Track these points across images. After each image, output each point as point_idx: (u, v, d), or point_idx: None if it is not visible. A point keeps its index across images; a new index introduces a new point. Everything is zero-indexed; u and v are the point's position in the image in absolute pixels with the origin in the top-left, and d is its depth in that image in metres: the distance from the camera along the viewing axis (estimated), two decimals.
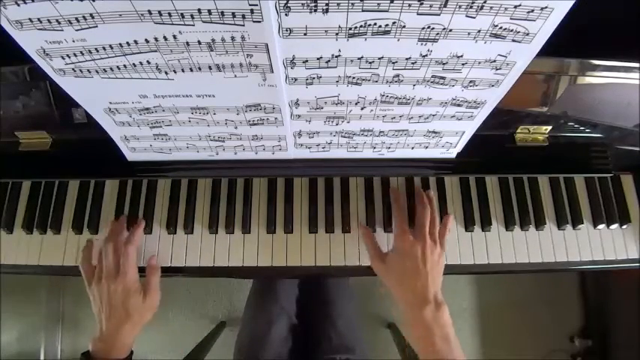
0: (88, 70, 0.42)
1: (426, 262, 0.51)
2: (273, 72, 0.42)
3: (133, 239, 0.57)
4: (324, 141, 0.56)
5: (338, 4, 0.34)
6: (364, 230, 0.60)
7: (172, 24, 0.36)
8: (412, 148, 0.58)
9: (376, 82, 0.44)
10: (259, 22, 0.35)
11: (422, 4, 0.34)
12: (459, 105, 0.49)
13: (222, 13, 0.35)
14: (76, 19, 0.36)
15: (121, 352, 0.53)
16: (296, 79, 0.44)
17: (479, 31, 0.38)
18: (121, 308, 0.53)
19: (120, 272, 0.54)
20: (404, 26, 0.37)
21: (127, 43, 0.39)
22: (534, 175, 0.65)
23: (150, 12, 0.35)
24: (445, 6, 0.35)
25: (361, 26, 0.37)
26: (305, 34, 0.37)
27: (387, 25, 0.37)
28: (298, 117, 0.51)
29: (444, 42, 0.39)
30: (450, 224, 0.59)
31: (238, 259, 0.62)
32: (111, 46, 0.39)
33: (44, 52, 0.40)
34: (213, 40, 0.38)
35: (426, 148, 0.58)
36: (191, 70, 0.42)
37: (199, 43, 0.38)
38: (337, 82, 0.44)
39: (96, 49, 0.39)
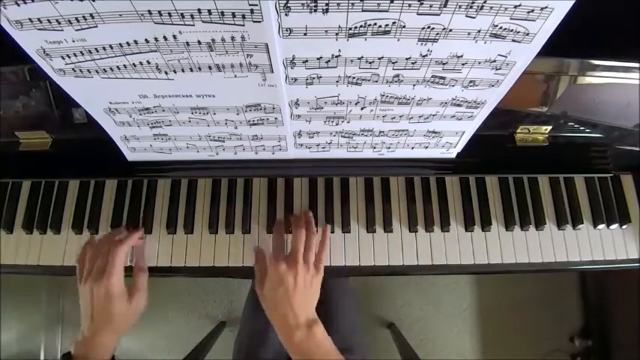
0: (88, 70, 0.42)
1: (296, 290, 0.51)
2: (273, 72, 0.42)
3: (124, 243, 0.56)
4: (324, 141, 0.56)
5: (338, 4, 0.34)
6: (258, 255, 0.59)
7: (172, 24, 0.36)
8: (412, 148, 0.58)
9: (376, 82, 0.44)
10: (259, 22, 0.36)
11: (422, 4, 0.34)
12: (459, 105, 0.49)
13: (222, 13, 0.35)
14: (76, 19, 0.36)
15: (100, 355, 0.52)
16: (296, 79, 0.44)
17: (479, 31, 0.38)
18: (103, 312, 0.52)
19: (104, 275, 0.52)
20: (404, 26, 0.37)
21: (127, 43, 0.39)
22: (534, 175, 0.65)
23: (150, 12, 0.35)
24: (445, 6, 0.35)
25: (361, 26, 0.37)
26: (305, 34, 0.37)
27: (387, 25, 0.37)
28: (298, 117, 0.51)
29: (444, 42, 0.39)
30: (327, 242, 0.58)
31: (238, 259, 0.62)
32: (111, 46, 0.39)
33: (44, 52, 0.40)
34: (213, 40, 0.38)
35: (426, 148, 0.58)
36: (191, 70, 0.42)
37: (199, 43, 0.38)
38: (337, 82, 0.44)
39: (96, 49, 0.39)
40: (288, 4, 0.34)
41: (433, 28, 0.37)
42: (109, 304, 0.52)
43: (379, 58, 0.41)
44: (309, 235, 0.56)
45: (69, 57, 0.40)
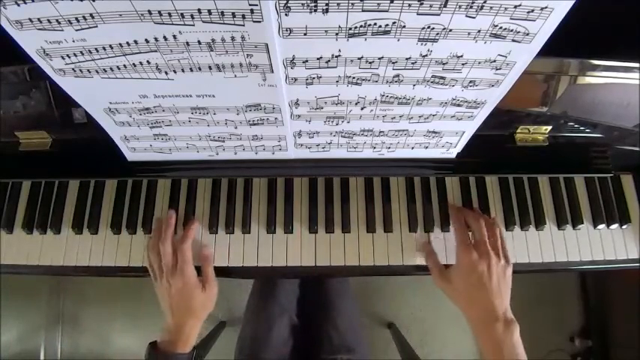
0: (88, 70, 0.42)
1: (491, 277, 0.50)
2: (273, 72, 0.42)
3: (187, 237, 0.59)
4: (324, 141, 0.56)
5: (338, 4, 0.34)
6: (428, 249, 0.59)
7: (172, 24, 0.36)
8: (412, 148, 0.58)
9: (376, 82, 0.44)
10: (259, 22, 0.36)
11: (422, 4, 0.34)
12: (459, 105, 0.49)
13: (222, 13, 0.35)
14: (76, 19, 0.36)
15: (185, 345, 0.56)
16: (296, 79, 0.44)
17: (479, 31, 0.38)
18: (184, 304, 0.56)
19: (177, 270, 0.56)
20: (404, 26, 0.37)
21: (127, 43, 0.39)
22: (534, 175, 0.65)
23: (150, 12, 0.35)
24: (445, 6, 0.35)
25: (361, 26, 0.37)
26: (305, 34, 0.37)
27: (387, 25, 0.37)
28: (298, 117, 0.51)
29: (444, 42, 0.39)
30: (502, 233, 0.57)
31: (238, 259, 0.62)
32: (111, 46, 0.39)
33: (44, 52, 0.40)
34: (213, 40, 0.38)
35: (426, 148, 0.58)
36: (191, 70, 0.42)
37: (199, 43, 0.38)
38: (337, 82, 0.44)
39: (96, 49, 0.39)
40: (288, 4, 0.34)
41: (433, 28, 0.37)
42: (189, 296, 0.56)
43: (379, 58, 0.41)
44: (490, 225, 0.54)
45: (69, 57, 0.40)
